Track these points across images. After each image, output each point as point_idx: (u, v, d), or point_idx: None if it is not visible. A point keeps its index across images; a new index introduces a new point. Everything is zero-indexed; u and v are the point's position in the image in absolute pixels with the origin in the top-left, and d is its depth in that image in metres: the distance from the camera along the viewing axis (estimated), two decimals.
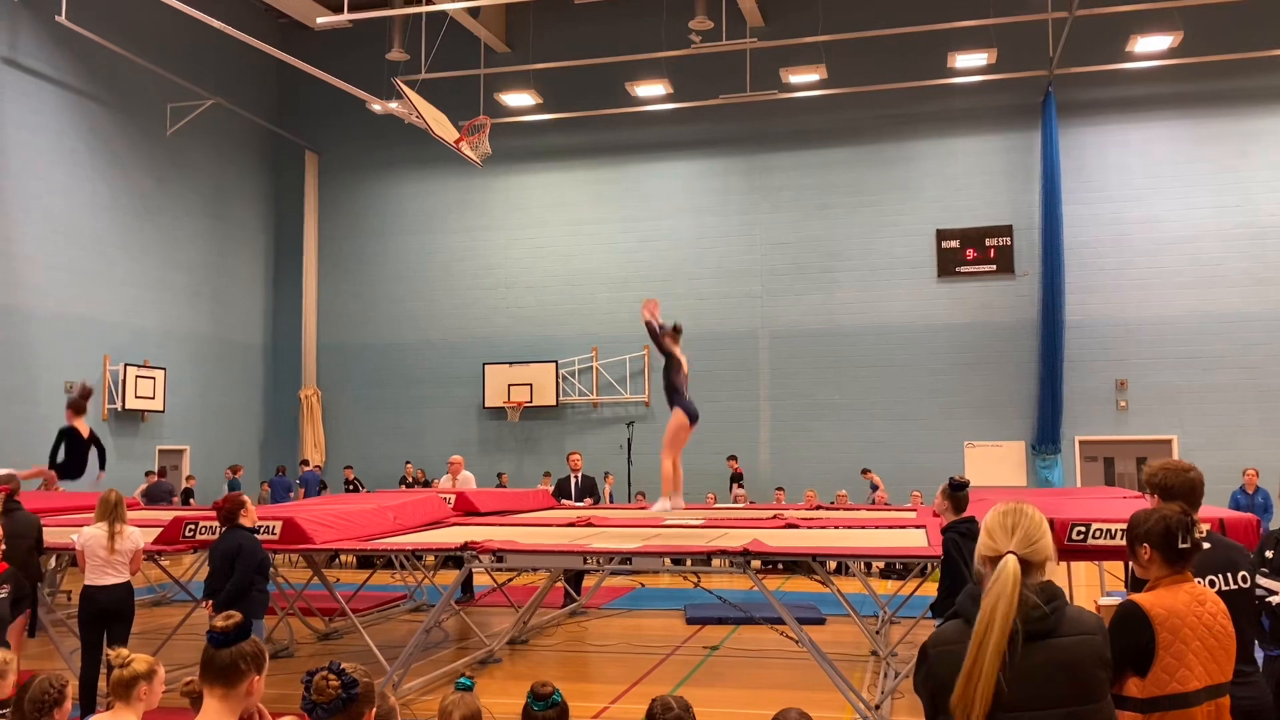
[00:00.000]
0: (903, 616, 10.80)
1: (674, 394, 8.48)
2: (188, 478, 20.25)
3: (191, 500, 18.84)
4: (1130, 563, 3.72)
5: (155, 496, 17.59)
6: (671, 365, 8.56)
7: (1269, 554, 4.80)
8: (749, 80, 19.45)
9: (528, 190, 22.55)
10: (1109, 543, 6.57)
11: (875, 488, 17.90)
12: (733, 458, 19.47)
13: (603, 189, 22.21)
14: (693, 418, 8.44)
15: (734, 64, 19.65)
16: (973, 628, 2.56)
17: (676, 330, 8.72)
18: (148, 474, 18.92)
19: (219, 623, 3.10)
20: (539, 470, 20.44)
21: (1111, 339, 19.38)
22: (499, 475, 20.47)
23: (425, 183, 23.08)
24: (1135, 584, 3.76)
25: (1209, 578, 3.69)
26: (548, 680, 3.79)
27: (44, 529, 8.24)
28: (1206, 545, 3.74)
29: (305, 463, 21.82)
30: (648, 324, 9.03)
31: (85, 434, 11.79)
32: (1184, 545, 3.41)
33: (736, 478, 19.16)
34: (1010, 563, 2.58)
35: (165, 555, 9.78)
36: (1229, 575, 3.80)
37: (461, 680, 3.72)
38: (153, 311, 20.30)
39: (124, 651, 3.69)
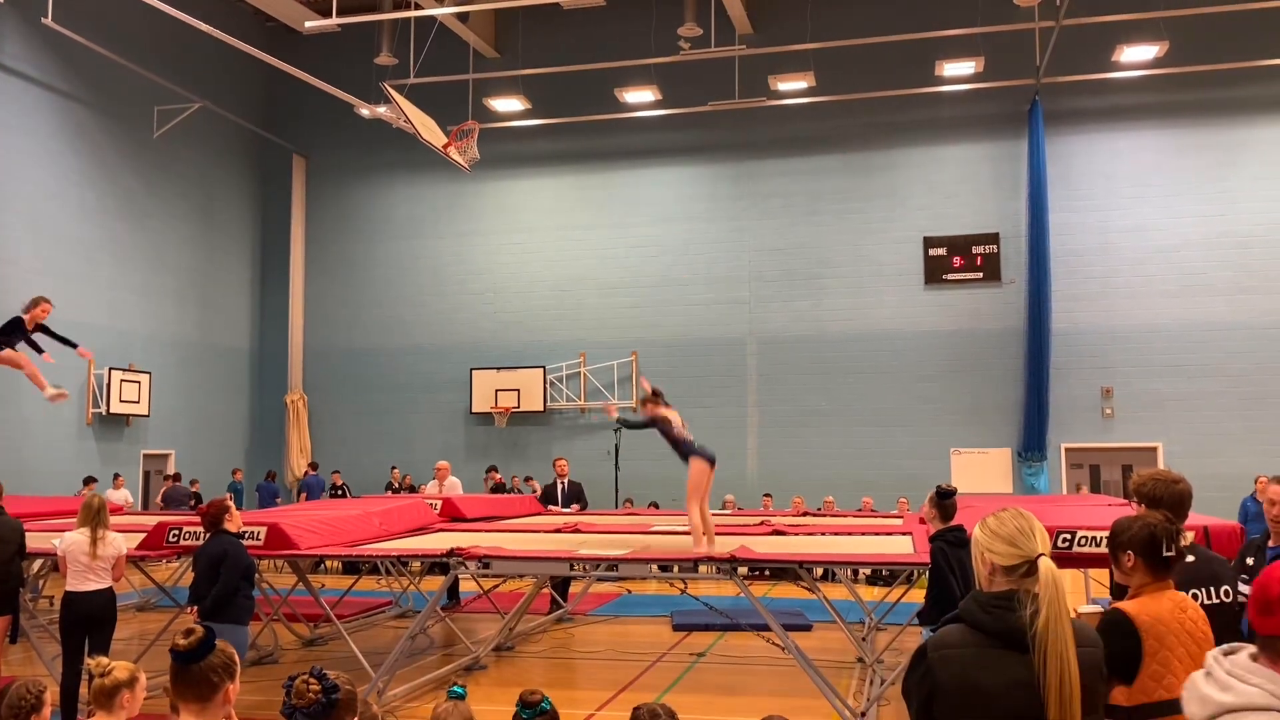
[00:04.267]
0: (889, 623, 10.80)
1: (682, 445, 8.06)
2: (192, 481, 19.92)
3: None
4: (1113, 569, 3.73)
5: (174, 500, 17.51)
6: (663, 427, 8.18)
7: (1250, 561, 4.83)
8: (738, 87, 19.50)
9: (516, 195, 22.52)
10: (1094, 550, 6.59)
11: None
12: (492, 468, 19.63)
13: (591, 195, 22.20)
14: (711, 461, 8.06)
15: (723, 71, 19.69)
16: (982, 634, 2.52)
17: (657, 395, 8.32)
18: (165, 478, 18.75)
19: (181, 641, 2.99)
20: (525, 475, 20.40)
21: (1097, 347, 19.45)
22: (507, 478, 20.31)
23: (413, 187, 23.04)
24: (1118, 591, 3.77)
25: (1192, 591, 3.66)
26: (537, 688, 3.78)
27: (26, 534, 8.18)
28: (1190, 558, 3.73)
29: (315, 465, 21.53)
30: (620, 422, 9.17)
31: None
32: (1168, 553, 3.42)
33: (498, 488, 18.89)
34: (1050, 565, 2.54)
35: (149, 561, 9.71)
36: (1212, 589, 3.79)
37: (454, 689, 3.70)
38: (138, 315, 20.18)
39: (105, 660, 3.64)
